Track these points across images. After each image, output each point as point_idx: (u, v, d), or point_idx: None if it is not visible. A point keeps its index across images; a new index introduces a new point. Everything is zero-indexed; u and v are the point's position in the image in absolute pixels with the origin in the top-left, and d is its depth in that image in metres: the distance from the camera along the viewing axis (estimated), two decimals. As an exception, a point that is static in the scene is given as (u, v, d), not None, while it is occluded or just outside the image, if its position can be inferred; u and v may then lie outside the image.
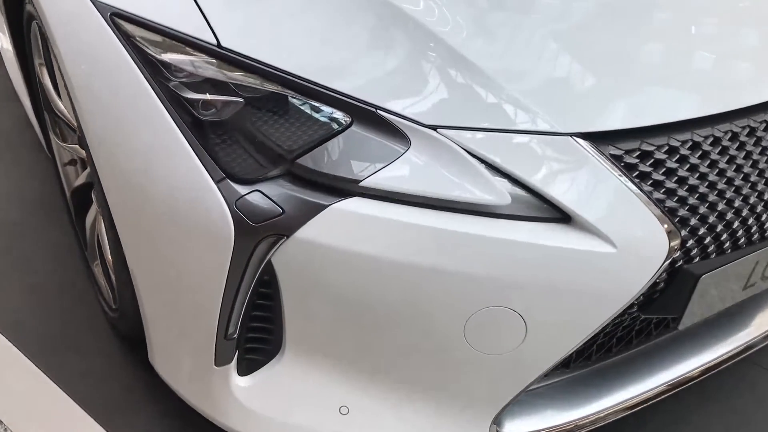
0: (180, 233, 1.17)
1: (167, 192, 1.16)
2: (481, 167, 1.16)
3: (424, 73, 1.19)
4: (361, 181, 1.14)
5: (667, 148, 1.25)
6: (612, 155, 1.21)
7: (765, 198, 1.36)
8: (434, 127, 1.16)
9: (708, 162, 1.29)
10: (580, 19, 1.34)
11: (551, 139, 1.19)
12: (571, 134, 1.19)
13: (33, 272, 1.98)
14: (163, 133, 1.14)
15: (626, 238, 1.19)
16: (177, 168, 1.14)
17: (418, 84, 1.18)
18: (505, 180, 1.18)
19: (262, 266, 1.17)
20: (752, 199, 1.33)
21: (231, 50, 1.15)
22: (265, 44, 1.15)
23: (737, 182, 1.32)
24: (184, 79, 1.15)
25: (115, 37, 1.18)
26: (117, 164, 1.22)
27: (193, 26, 1.16)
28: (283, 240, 1.14)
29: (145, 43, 1.16)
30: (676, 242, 1.23)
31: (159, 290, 1.33)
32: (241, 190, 1.14)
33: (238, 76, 1.15)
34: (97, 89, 1.21)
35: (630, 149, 1.22)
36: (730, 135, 1.31)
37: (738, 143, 1.32)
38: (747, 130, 1.33)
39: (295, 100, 1.14)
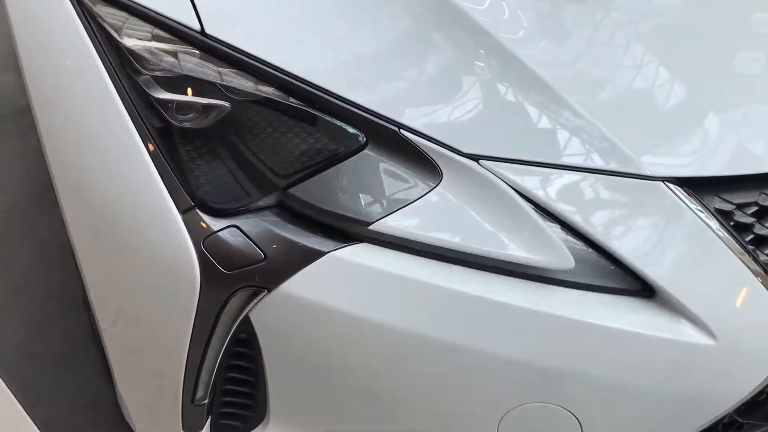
0: (140, 269, 0.90)
1: (125, 213, 0.88)
2: (537, 216, 0.85)
3: (467, 87, 0.88)
4: (372, 222, 0.85)
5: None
6: (718, 210, 0.88)
7: None
8: (476, 158, 0.86)
9: None
10: (682, 39, 1.01)
11: (635, 184, 0.87)
12: (663, 179, 0.87)
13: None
14: (123, 140, 0.86)
15: (730, 327, 0.87)
16: (136, 187, 0.86)
17: (458, 100, 0.88)
18: (569, 235, 0.87)
19: (237, 323, 0.88)
20: None
21: (217, 39, 0.87)
22: (262, 36, 0.87)
23: None
24: (156, 73, 0.88)
25: (74, 11, 0.91)
26: (68, 168, 0.95)
27: (172, 6, 0.88)
28: (264, 294, 0.86)
29: (109, 23, 0.89)
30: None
31: (120, 332, 1.06)
32: (213, 224, 0.86)
33: (225, 73, 0.87)
34: (48, 73, 0.94)
35: (743, 203, 0.89)
36: None
37: None
38: None
39: (295, 110, 0.86)
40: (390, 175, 0.87)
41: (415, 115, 0.86)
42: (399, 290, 0.85)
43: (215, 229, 0.85)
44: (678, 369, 0.87)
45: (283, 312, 0.87)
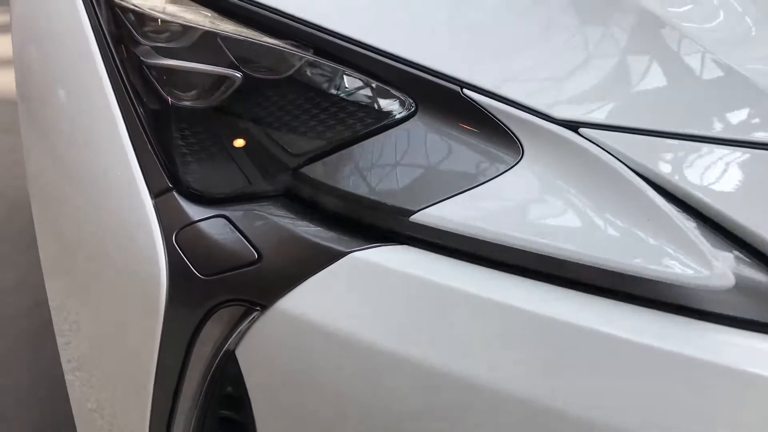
0: (98, 274, 0.65)
1: (92, 196, 0.65)
2: (673, 210, 0.55)
3: (559, 30, 0.62)
4: (416, 212, 0.57)
5: None
6: None
7: None
8: (574, 125, 0.58)
9: None
10: None
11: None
12: None
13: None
14: (96, 102, 0.65)
15: None
16: (105, 160, 0.64)
17: (544, 47, 0.61)
18: (727, 245, 0.55)
19: (221, 354, 0.60)
20: None
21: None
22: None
23: None
24: (157, 43, 0.67)
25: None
26: (41, 131, 0.73)
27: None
28: (255, 315, 0.58)
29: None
30: None
31: (78, 363, 0.79)
32: (194, 213, 0.60)
33: (240, 37, 0.65)
34: (35, 40, 0.76)
35: None
36: None
37: None
38: None
39: (325, 70, 0.62)
40: (446, 150, 0.60)
41: (484, 71, 0.60)
42: (456, 312, 0.55)
43: (194, 218, 0.60)
44: None
45: (283, 340, 0.58)
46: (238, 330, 0.59)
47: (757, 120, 0.57)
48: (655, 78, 0.59)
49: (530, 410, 0.54)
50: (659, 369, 0.51)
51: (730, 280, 0.53)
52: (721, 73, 0.59)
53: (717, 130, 0.57)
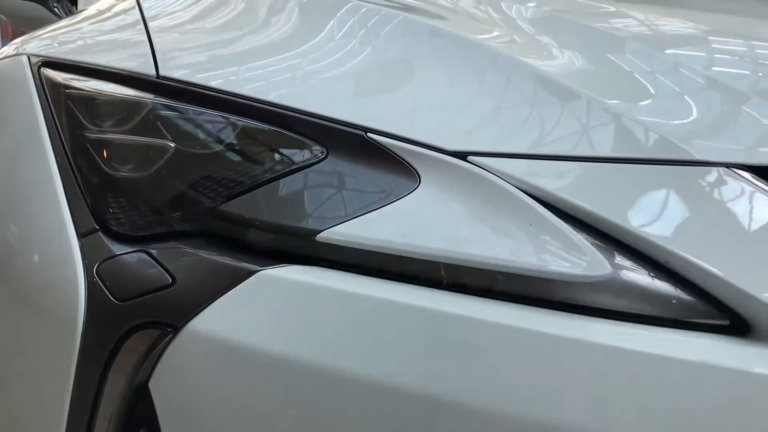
0: (18, 308, 0.67)
1: (19, 231, 0.69)
2: (552, 216, 0.60)
3: (446, 76, 0.71)
4: (321, 231, 0.62)
5: None
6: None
7: None
8: (464, 154, 0.65)
9: None
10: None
11: (694, 173, 0.62)
12: (729, 165, 0.62)
13: None
14: (33, 150, 0.71)
15: None
16: (38, 204, 0.68)
17: (436, 93, 0.70)
18: (599, 242, 0.60)
19: (134, 387, 0.61)
20: None
21: (170, 78, 0.76)
22: (211, 68, 0.75)
23: None
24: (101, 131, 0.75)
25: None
26: None
27: (123, 57, 0.80)
28: (169, 338, 0.60)
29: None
30: None
31: None
32: (116, 248, 0.65)
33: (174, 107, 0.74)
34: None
35: None
36: None
37: None
38: None
39: (247, 128, 0.70)
40: (352, 184, 0.66)
41: (385, 116, 0.68)
42: (363, 319, 0.58)
43: (116, 252, 0.64)
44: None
45: (195, 365, 0.60)
46: (152, 356, 0.61)
47: (611, 138, 0.64)
48: (525, 110, 0.67)
49: (435, 405, 0.55)
50: (536, 352, 0.54)
51: (606, 268, 0.57)
52: (578, 103, 0.67)
53: (578, 149, 0.64)
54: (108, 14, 0.94)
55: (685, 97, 0.69)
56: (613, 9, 0.93)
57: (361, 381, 0.56)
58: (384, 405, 0.56)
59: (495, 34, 0.79)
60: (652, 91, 0.70)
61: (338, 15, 0.80)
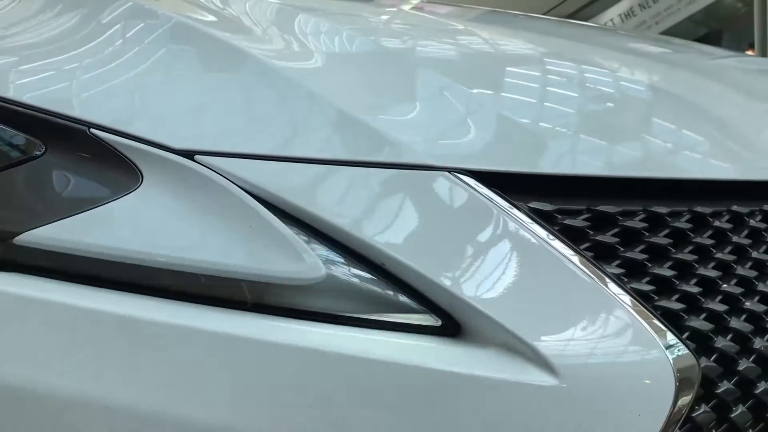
0: None
1: None
2: (272, 217, 0.59)
3: (172, 73, 0.68)
4: (20, 233, 0.57)
5: (643, 216, 0.67)
6: (535, 211, 0.63)
7: None
8: (190, 154, 0.62)
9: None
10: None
11: (414, 177, 0.63)
12: (452, 170, 0.64)
13: None
14: None
15: (578, 361, 0.56)
16: None
17: (162, 88, 0.67)
18: (324, 250, 0.60)
19: None
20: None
21: None
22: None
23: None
24: None
25: None
26: None
27: None
28: None
29: None
30: (690, 374, 0.58)
31: None
32: None
33: None
34: None
35: (570, 210, 0.65)
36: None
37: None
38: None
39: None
40: (68, 183, 0.61)
41: (109, 111, 0.64)
42: (50, 326, 0.54)
43: None
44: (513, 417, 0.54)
45: None
46: None
47: (337, 140, 0.64)
48: (257, 110, 0.66)
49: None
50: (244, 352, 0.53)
51: (321, 270, 0.57)
52: (308, 103, 0.67)
53: (304, 150, 0.63)
54: None
55: (418, 103, 0.71)
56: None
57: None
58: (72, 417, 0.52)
59: (245, 35, 0.77)
60: (390, 97, 0.71)
61: (67, 4, 0.74)
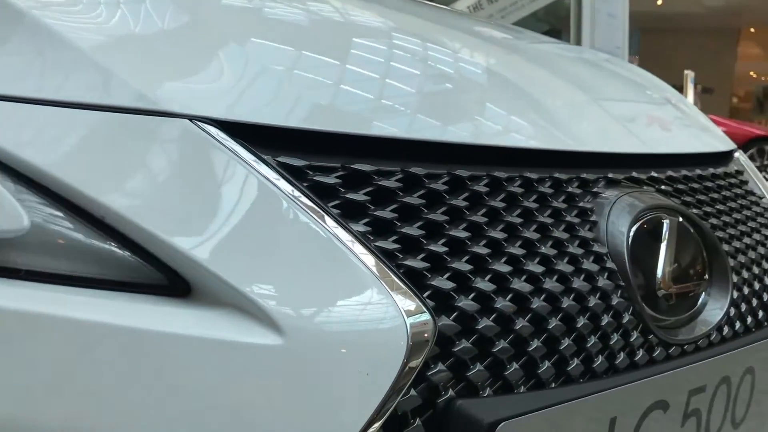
0: None
1: None
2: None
3: None
4: None
5: (400, 176, 0.66)
6: (284, 165, 0.60)
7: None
8: None
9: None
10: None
11: (147, 122, 0.57)
12: (193, 117, 0.59)
13: None
14: None
15: (310, 318, 0.54)
16: None
17: None
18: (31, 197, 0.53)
19: None
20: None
21: None
22: None
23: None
24: None
25: None
26: None
27: None
28: None
29: None
30: (425, 335, 0.57)
31: None
32: None
33: None
34: None
35: (324, 167, 0.62)
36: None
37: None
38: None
39: None
40: None
41: None
42: None
43: None
44: (217, 385, 0.50)
45: None
46: None
47: (61, 79, 0.58)
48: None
49: None
50: None
51: (23, 222, 0.50)
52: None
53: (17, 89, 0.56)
54: None
55: (174, 50, 0.65)
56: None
57: None
58: None
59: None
60: (143, 43, 0.65)
61: None
